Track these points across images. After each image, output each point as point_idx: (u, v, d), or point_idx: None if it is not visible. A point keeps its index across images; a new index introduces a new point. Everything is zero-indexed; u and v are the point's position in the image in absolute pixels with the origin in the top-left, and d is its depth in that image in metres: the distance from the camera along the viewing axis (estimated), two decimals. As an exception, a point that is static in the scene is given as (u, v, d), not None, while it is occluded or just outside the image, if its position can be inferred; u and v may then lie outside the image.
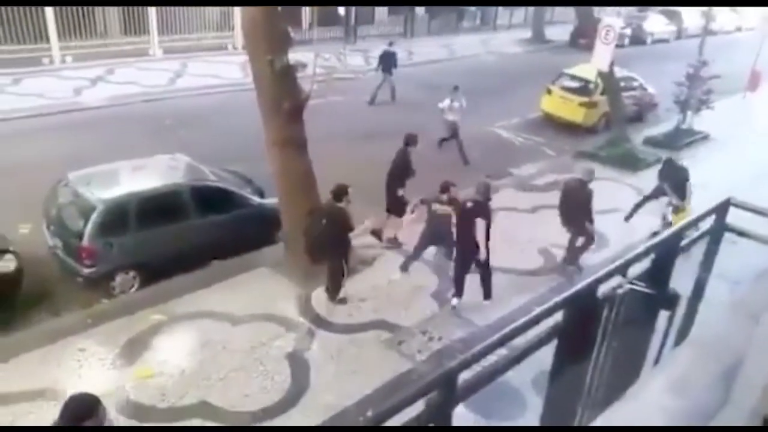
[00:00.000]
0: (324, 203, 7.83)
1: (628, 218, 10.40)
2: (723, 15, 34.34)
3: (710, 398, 1.16)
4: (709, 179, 10.59)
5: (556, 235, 9.87)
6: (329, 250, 7.75)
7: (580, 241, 8.97)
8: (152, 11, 19.63)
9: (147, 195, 7.98)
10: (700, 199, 9.66)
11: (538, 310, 4.24)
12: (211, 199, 8.42)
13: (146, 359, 6.85)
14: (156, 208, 8.00)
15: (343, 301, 7.95)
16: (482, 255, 7.69)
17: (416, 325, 7.61)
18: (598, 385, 4.85)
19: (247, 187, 9.23)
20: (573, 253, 9.04)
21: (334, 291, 7.94)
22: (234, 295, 7.94)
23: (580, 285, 4.38)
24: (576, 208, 8.83)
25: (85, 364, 6.68)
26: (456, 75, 20.59)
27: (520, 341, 4.21)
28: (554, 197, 11.49)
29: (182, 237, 8.17)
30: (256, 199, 8.94)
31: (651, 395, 2.62)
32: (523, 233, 10.07)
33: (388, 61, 16.98)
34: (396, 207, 9.29)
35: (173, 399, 6.28)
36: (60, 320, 7.40)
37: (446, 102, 13.21)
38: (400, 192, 9.24)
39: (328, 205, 7.63)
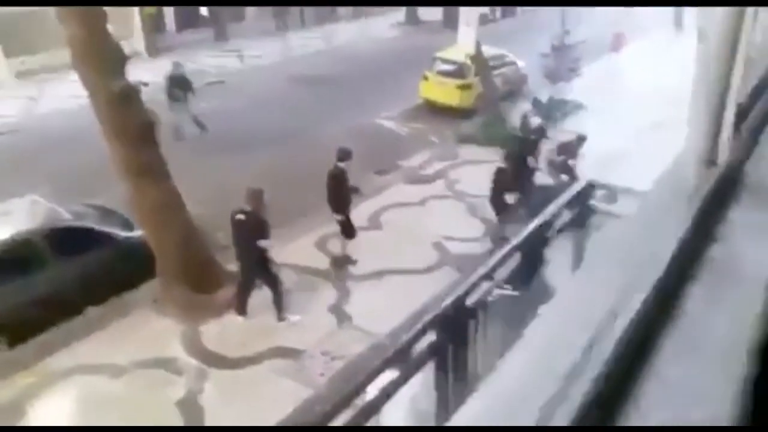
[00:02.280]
0: (237, 213, 7.33)
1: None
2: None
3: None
4: (589, 147, 10.77)
5: (447, 226, 9.93)
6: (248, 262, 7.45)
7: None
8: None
9: (-3, 248, 7.17)
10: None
11: (408, 335, 4.11)
12: (71, 241, 7.63)
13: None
14: (10, 261, 7.20)
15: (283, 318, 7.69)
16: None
17: (315, 346, 7.34)
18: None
19: (111, 221, 8.49)
20: None
21: (277, 305, 7.67)
22: (113, 343, 7.31)
23: (448, 299, 4.29)
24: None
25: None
26: (334, 65, 20.40)
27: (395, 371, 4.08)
28: (442, 186, 11.63)
29: (45, 287, 7.36)
30: (123, 234, 8.25)
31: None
32: (414, 228, 10.02)
33: (178, 87, 13.63)
34: (347, 230, 8.93)
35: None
36: None
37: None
38: (339, 217, 8.80)
39: (243, 214, 7.26)
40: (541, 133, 10.56)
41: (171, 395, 6.57)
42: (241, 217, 7.26)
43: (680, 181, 1.79)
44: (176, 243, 7.92)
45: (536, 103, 14.67)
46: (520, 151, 9.94)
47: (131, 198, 7.80)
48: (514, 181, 9.18)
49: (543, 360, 1.29)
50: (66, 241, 7.63)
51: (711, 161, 1.82)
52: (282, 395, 6.46)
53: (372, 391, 3.95)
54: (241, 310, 7.77)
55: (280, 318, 7.69)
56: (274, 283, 7.67)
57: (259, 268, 7.55)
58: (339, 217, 8.77)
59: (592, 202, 5.71)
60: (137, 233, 8.27)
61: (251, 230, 7.26)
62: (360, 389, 3.90)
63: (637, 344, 1.20)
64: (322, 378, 6.73)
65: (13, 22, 18.04)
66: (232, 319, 7.80)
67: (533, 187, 9.83)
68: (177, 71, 13.67)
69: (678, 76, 18.26)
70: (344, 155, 8.61)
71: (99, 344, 7.34)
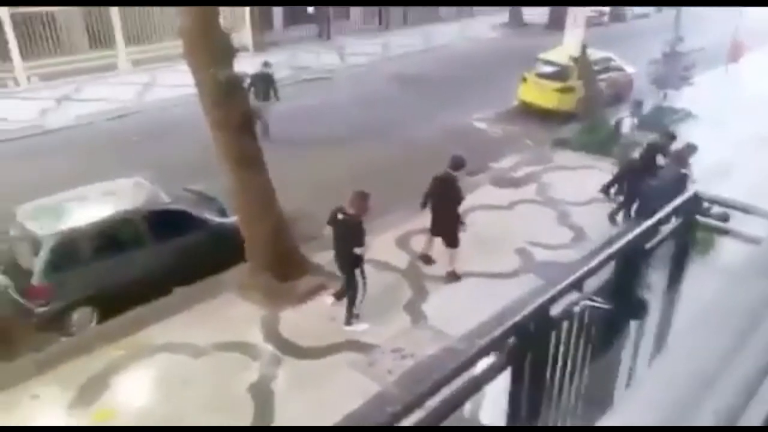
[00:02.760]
0: (338, 211, 7.29)
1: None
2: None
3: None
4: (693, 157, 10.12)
5: (534, 232, 9.58)
6: (342, 262, 7.47)
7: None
8: (117, 23, 19.17)
9: (99, 225, 7.62)
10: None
11: (484, 341, 3.89)
12: (168, 223, 8.03)
13: (105, 400, 6.51)
14: (109, 238, 7.69)
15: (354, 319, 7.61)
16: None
17: (387, 342, 7.27)
18: (564, 414, 4.52)
19: (208, 207, 8.85)
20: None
21: (348, 310, 7.56)
22: (196, 325, 7.58)
23: (530, 307, 4.03)
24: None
25: (38, 411, 6.35)
26: (434, 65, 20.32)
27: (469, 374, 3.89)
28: (532, 191, 11.22)
29: (140, 265, 7.80)
30: (217, 219, 8.56)
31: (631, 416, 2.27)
32: (499, 232, 9.71)
33: (263, 86, 13.37)
34: (450, 238, 8.50)
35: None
36: (11, 365, 7.03)
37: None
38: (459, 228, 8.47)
39: (343, 216, 7.22)
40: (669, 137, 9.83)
41: (245, 379, 6.71)
42: (341, 217, 7.21)
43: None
44: (266, 232, 8.13)
45: (635, 107, 13.83)
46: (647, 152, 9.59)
47: (229, 186, 8.08)
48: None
49: None
50: (163, 222, 8.02)
51: None
52: (349, 388, 6.45)
53: (442, 394, 3.79)
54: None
55: (347, 323, 7.57)
56: (354, 287, 7.51)
57: (348, 270, 7.47)
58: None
59: (697, 215, 5.24)
60: (230, 219, 8.56)
61: (349, 233, 7.20)
62: (430, 392, 3.75)
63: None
64: (390, 375, 6.63)
65: (131, 11, 19.31)
66: (312, 308, 7.88)
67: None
68: (265, 70, 13.53)
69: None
70: (458, 163, 8.31)
71: (183, 324, 7.63)
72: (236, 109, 7.41)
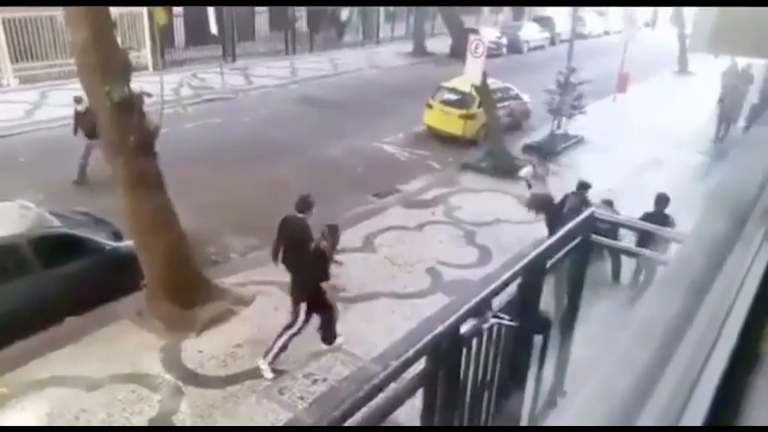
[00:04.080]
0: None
1: None
2: (591, 19, 36.67)
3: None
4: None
5: (442, 252, 9.77)
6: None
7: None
8: (1, 37, 17.86)
9: (-24, 253, 6.96)
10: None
11: (398, 361, 3.86)
12: (57, 248, 7.44)
13: (-17, 445, 5.89)
14: (-10, 266, 7.02)
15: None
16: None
17: (298, 367, 7.07)
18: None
19: (101, 230, 8.31)
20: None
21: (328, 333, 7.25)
22: (90, 356, 7.04)
23: (440, 327, 4.06)
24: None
25: None
26: (340, 90, 20.48)
27: (381, 398, 3.83)
28: (440, 212, 11.48)
29: (25, 295, 7.14)
30: (111, 243, 8.05)
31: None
32: (410, 252, 9.82)
33: (88, 124, 10.80)
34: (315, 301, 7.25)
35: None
36: None
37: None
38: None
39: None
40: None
41: (144, 412, 6.28)
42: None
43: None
44: (165, 256, 7.74)
45: (526, 149, 14.47)
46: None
47: (125, 208, 7.64)
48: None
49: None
50: (51, 247, 7.43)
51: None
52: (259, 417, 6.20)
53: (356, 418, 3.72)
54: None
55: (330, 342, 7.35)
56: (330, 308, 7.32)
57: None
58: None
59: (593, 234, 5.54)
60: (125, 243, 8.07)
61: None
62: (343, 417, 3.66)
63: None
64: (301, 401, 6.45)
65: (18, 26, 18.11)
66: (217, 336, 7.54)
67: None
68: (80, 108, 11.39)
69: (678, 117, 18.64)
70: (304, 205, 7.28)
71: (75, 356, 7.06)
72: (132, 129, 7.03)
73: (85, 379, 6.67)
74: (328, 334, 7.30)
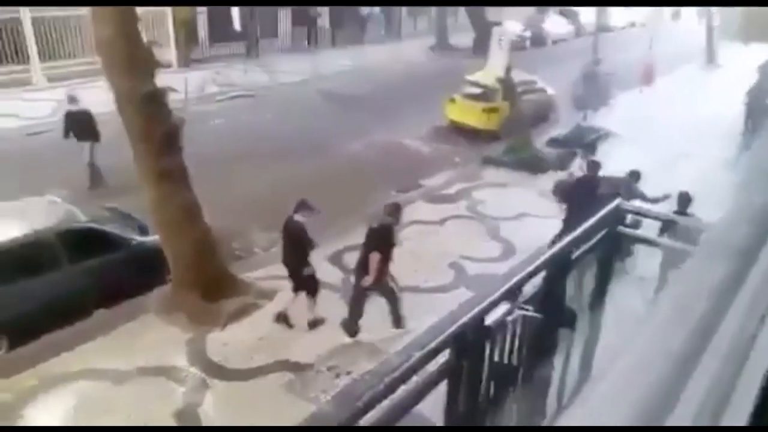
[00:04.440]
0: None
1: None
2: (617, 11, 36.06)
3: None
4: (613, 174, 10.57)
5: (466, 246, 9.70)
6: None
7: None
8: (31, 37, 18.21)
9: (8, 246, 7.06)
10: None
11: (420, 353, 3.83)
12: (85, 243, 7.57)
13: (17, 434, 6.01)
14: (18, 260, 7.10)
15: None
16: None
17: (321, 360, 7.09)
18: (501, 422, 4.51)
19: (127, 225, 8.42)
20: None
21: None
22: (118, 349, 7.15)
23: (464, 319, 4.02)
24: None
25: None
26: (362, 85, 20.45)
27: (405, 387, 3.81)
28: (463, 207, 11.40)
29: (55, 288, 7.28)
30: (137, 238, 8.16)
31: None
32: (433, 247, 9.77)
33: (79, 126, 11.22)
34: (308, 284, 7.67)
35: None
36: None
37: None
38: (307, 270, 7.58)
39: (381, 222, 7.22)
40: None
41: (171, 405, 6.36)
42: (374, 226, 7.22)
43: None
44: (191, 250, 7.84)
45: (551, 142, 14.41)
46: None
47: (151, 202, 7.74)
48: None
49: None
50: (79, 242, 7.55)
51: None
52: (283, 410, 6.23)
53: (379, 410, 3.70)
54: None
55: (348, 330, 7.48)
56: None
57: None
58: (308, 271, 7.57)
59: (620, 226, 5.44)
60: (151, 238, 8.17)
61: (380, 239, 7.14)
62: (366, 408, 3.65)
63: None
64: (324, 395, 6.46)
65: (47, 25, 18.45)
66: (242, 329, 7.60)
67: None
68: (72, 108, 11.36)
69: (706, 110, 18.25)
70: (302, 207, 7.37)
71: (104, 349, 7.19)
72: (158, 123, 7.11)
73: (113, 372, 6.78)
74: (397, 317, 7.55)
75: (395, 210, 7.39)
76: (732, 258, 1.13)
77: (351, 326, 7.45)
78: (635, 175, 9.01)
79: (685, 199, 8.22)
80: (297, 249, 7.41)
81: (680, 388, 0.90)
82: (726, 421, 0.78)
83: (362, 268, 7.25)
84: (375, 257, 7.03)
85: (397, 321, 7.54)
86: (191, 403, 6.39)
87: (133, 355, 7.02)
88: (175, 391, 6.56)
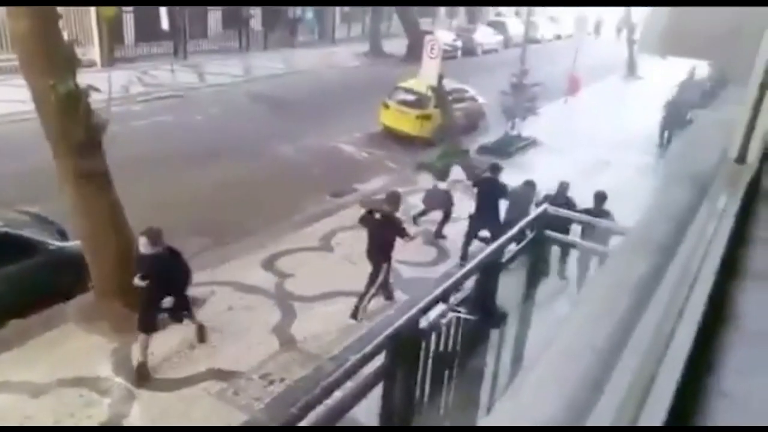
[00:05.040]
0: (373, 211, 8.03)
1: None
2: (543, 24, 37.50)
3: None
4: (539, 181, 10.96)
5: (401, 250, 9.77)
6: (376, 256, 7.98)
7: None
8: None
9: None
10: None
11: (357, 356, 3.83)
12: (-1, 248, 7.14)
13: None
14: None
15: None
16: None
17: (254, 368, 6.94)
18: (434, 422, 4.58)
19: (45, 230, 7.98)
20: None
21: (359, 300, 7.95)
22: (35, 360, 6.74)
23: (400, 320, 4.06)
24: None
25: None
26: (296, 89, 20.29)
27: (339, 395, 3.79)
28: (399, 212, 11.47)
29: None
30: (56, 243, 7.74)
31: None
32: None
33: None
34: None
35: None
36: None
37: None
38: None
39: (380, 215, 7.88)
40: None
41: (94, 417, 6.06)
42: (378, 216, 7.91)
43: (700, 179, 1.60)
44: (115, 256, 7.49)
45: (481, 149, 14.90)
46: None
47: (72, 206, 7.36)
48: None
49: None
50: (-7, 247, 7.09)
51: (741, 159, 1.66)
52: (214, 420, 6.07)
53: (313, 416, 3.67)
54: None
55: (353, 315, 7.97)
56: (374, 281, 8.04)
57: (378, 263, 7.98)
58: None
59: (547, 230, 5.65)
60: (72, 243, 7.78)
61: (387, 228, 7.90)
62: (300, 415, 3.61)
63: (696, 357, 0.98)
64: (257, 402, 6.34)
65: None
66: (169, 337, 7.34)
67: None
68: None
69: (626, 120, 19.14)
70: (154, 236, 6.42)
71: (19, 361, 6.76)
72: (78, 124, 6.77)
73: (30, 385, 6.39)
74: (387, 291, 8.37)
75: (395, 199, 8.14)
76: (652, 254, 1.20)
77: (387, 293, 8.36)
78: (564, 186, 9.42)
79: (600, 198, 8.99)
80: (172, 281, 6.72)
81: (604, 380, 0.95)
82: (646, 414, 0.83)
83: (383, 253, 8.03)
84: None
85: (361, 299, 8.02)
86: (117, 414, 6.11)
87: (54, 366, 6.65)
88: (99, 402, 6.25)
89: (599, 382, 0.98)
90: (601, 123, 18.16)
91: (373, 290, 8.01)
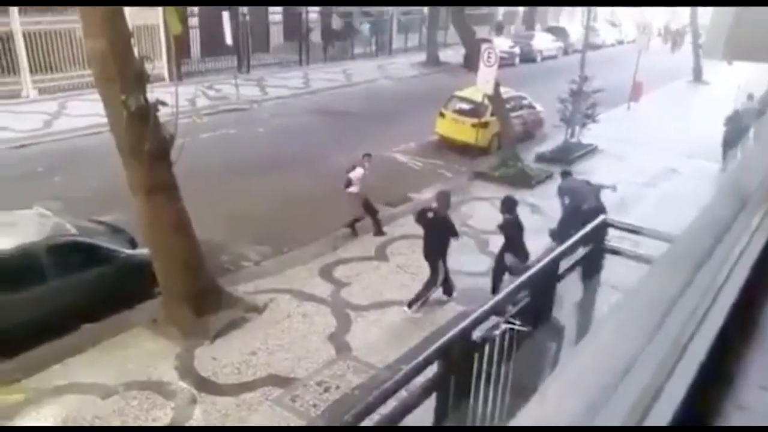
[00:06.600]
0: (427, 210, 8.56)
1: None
2: (604, 30, 36.62)
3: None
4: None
5: (455, 260, 9.74)
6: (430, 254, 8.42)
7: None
8: (22, 49, 18.20)
9: (-5, 258, 7.06)
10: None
11: (409, 366, 3.87)
12: (73, 256, 7.55)
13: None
14: (8, 272, 7.09)
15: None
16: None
17: (311, 375, 7.08)
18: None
19: (116, 238, 8.41)
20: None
21: (419, 293, 8.35)
22: (105, 363, 7.10)
23: (453, 331, 4.06)
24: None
25: None
26: (354, 100, 20.60)
27: (392, 404, 3.83)
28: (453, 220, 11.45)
29: (42, 302, 7.23)
30: (126, 251, 8.14)
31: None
32: (421, 261, 9.78)
33: None
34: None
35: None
36: None
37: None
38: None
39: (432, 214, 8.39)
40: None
41: (158, 420, 6.32)
42: (430, 214, 8.40)
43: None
44: (181, 264, 7.83)
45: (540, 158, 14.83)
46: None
47: (141, 216, 7.74)
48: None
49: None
50: (68, 255, 7.53)
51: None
52: (272, 425, 6.20)
53: (367, 423, 3.72)
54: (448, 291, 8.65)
55: (409, 305, 8.33)
56: (435, 275, 8.41)
57: (435, 260, 8.36)
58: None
59: (606, 241, 5.51)
60: (141, 251, 8.16)
61: (439, 228, 8.31)
62: (355, 422, 3.66)
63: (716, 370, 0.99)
64: (314, 409, 6.46)
65: (38, 38, 18.43)
66: (231, 343, 7.58)
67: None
68: None
69: (692, 126, 18.47)
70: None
71: (90, 363, 7.13)
72: (149, 137, 7.13)
73: (100, 386, 6.73)
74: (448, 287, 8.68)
75: (445, 198, 8.60)
76: (689, 271, 1.20)
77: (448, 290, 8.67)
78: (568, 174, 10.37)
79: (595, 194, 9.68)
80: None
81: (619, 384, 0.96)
82: (653, 415, 0.84)
83: (438, 252, 8.41)
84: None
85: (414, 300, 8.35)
86: (181, 417, 6.35)
87: (121, 369, 6.98)
88: (164, 405, 6.52)
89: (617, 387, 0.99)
90: (667, 129, 17.56)
91: (434, 289, 8.37)
